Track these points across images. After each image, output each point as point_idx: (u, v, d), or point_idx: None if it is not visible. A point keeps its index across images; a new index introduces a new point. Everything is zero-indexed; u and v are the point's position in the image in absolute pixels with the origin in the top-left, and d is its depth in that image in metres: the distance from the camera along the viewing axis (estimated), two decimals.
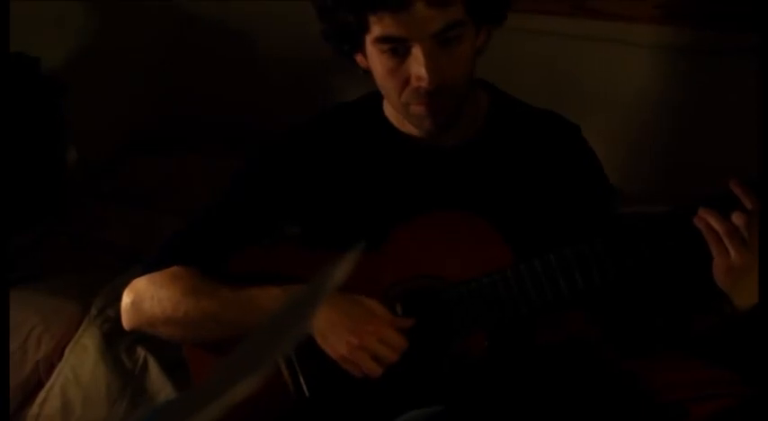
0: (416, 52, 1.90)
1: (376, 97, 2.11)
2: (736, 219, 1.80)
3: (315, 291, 0.85)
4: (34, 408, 2.83)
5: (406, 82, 1.95)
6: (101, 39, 3.78)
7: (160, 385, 2.73)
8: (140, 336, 2.74)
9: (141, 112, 3.86)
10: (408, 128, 2.06)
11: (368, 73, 2.03)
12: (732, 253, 1.80)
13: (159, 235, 2.97)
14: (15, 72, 3.37)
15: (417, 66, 1.91)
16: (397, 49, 1.92)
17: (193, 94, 3.88)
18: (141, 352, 2.78)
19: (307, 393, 2.01)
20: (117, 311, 2.80)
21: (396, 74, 1.95)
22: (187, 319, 2.03)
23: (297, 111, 2.23)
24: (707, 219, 1.82)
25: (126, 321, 2.08)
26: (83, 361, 2.80)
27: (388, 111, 2.09)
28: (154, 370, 2.75)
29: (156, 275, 2.06)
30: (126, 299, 2.08)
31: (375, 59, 1.96)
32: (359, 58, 2.02)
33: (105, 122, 3.74)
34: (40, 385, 2.84)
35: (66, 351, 2.84)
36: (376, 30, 1.91)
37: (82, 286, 2.98)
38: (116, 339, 2.80)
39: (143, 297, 2.06)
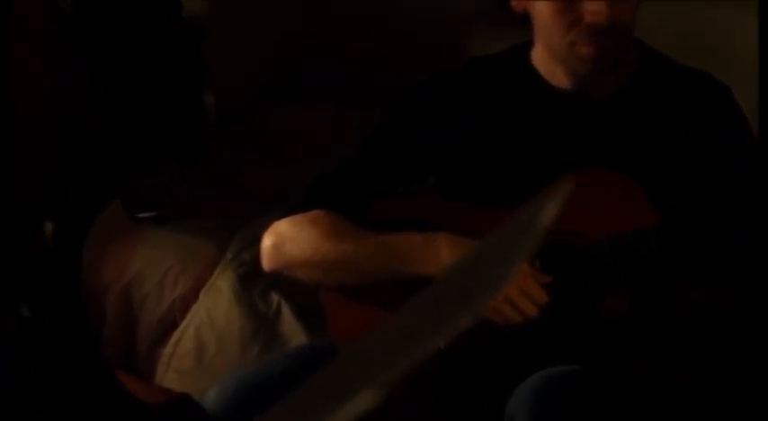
0: None
1: (521, 49, 2.09)
2: None
3: (523, 231, 0.77)
4: (169, 347, 2.86)
5: (574, 21, 1.92)
6: None
7: (293, 331, 2.74)
8: (275, 281, 2.75)
9: (278, 59, 3.87)
10: (557, 78, 2.03)
11: (518, 19, 2.02)
12: None
13: (294, 181, 2.98)
14: (157, 15, 3.40)
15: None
16: None
17: (330, 44, 3.88)
18: (275, 297, 2.79)
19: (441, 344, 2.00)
20: (252, 255, 2.83)
21: (563, 12, 1.93)
22: (326, 263, 2.03)
23: (430, 68, 2.21)
24: None
25: (266, 262, 2.09)
26: (217, 303, 2.83)
27: (538, 60, 2.06)
28: (287, 315, 2.76)
29: (297, 218, 2.07)
30: (266, 240, 2.08)
31: (543, 5, 1.94)
32: (514, 1, 2.00)
33: (243, 68, 3.76)
34: (174, 324, 2.87)
35: (202, 292, 2.86)
36: None
37: (218, 229, 3.00)
38: (251, 283, 2.82)
39: (283, 239, 2.06)
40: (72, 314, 1.49)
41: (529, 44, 2.07)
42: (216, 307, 2.82)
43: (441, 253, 1.95)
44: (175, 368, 2.83)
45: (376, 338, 0.78)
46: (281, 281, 2.52)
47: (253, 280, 2.81)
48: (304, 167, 3.16)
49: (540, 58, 2.06)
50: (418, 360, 0.72)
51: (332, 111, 3.61)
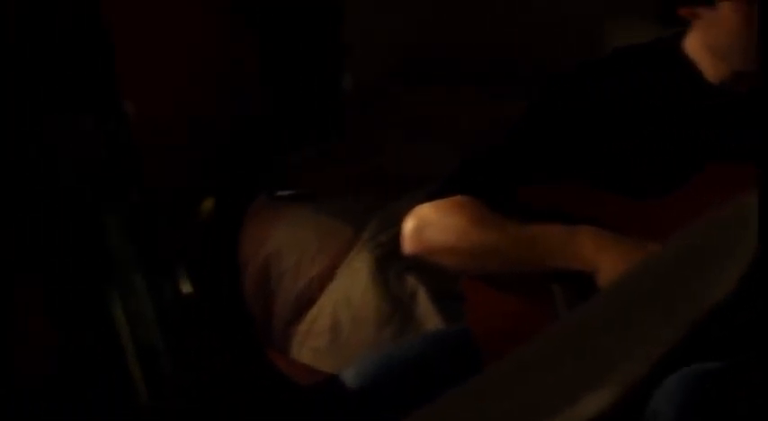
0: None
1: (671, 40, 2.07)
2: None
3: (735, 233, 0.71)
4: (304, 324, 2.87)
5: None
6: None
7: (428, 315, 2.73)
8: (411, 264, 2.75)
9: (416, 40, 3.86)
10: (713, 71, 2.01)
11: (672, 18, 2.00)
12: None
13: (432, 164, 2.97)
14: None
15: None
16: None
17: (470, 24, 3.86)
18: (411, 280, 2.79)
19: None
20: (389, 237, 2.83)
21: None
22: (469, 250, 2.01)
23: (570, 55, 2.19)
24: None
25: (407, 246, 2.08)
26: (354, 283, 2.83)
27: (693, 51, 2.04)
28: (423, 299, 2.76)
29: (441, 203, 2.05)
30: (409, 224, 2.07)
31: (734, 13, 1.93)
32: (686, 10, 1.98)
33: (380, 48, 3.75)
34: (310, 302, 2.89)
35: (339, 272, 2.87)
36: None
37: (356, 210, 3.00)
38: (387, 265, 2.82)
39: (426, 223, 2.05)
40: (229, 291, 1.51)
41: (679, 35, 2.05)
42: (353, 287, 2.83)
43: (584, 247, 1.94)
44: (310, 345, 2.85)
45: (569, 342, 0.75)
46: (418, 265, 2.51)
47: (389, 262, 2.81)
48: (444, 150, 3.15)
49: (695, 50, 2.03)
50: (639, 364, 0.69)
51: (474, 95, 3.58)
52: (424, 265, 2.26)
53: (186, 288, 1.36)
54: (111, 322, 1.32)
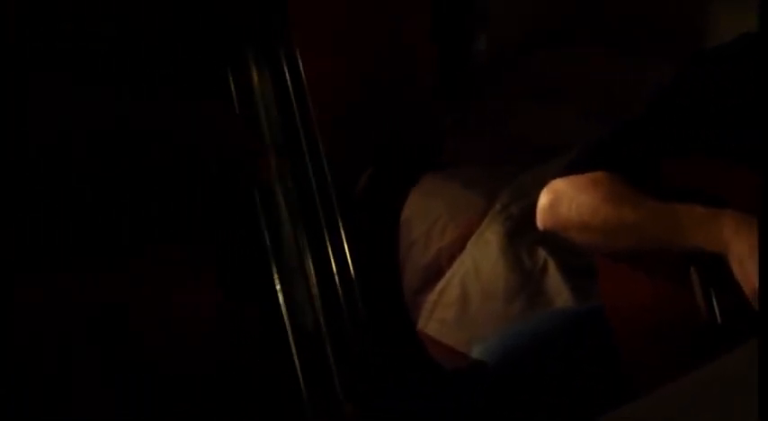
0: None
1: None
2: None
3: None
4: (433, 295, 2.86)
5: None
6: None
7: (558, 289, 2.70)
8: (542, 237, 2.71)
9: (551, 6, 3.81)
10: None
11: None
12: None
13: (563, 133, 2.93)
14: None
15: None
16: None
17: None
18: (542, 253, 2.75)
19: (719, 319, 1.92)
20: (521, 209, 2.79)
21: None
22: (604, 226, 1.97)
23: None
24: None
25: (540, 221, 2.05)
26: (484, 255, 2.81)
27: None
28: (553, 273, 2.72)
29: (577, 178, 2.01)
30: (543, 199, 2.04)
31: None
32: None
33: (516, 13, 3.71)
34: (439, 273, 2.87)
35: (469, 243, 2.85)
36: None
37: (487, 180, 2.97)
38: (518, 237, 2.79)
39: (561, 199, 2.01)
40: (389, 268, 1.49)
41: None
42: (483, 258, 2.80)
43: (723, 230, 1.88)
44: (438, 317, 2.84)
45: None
46: (549, 238, 2.47)
47: (520, 234, 2.78)
48: (575, 118, 3.11)
49: None
50: None
51: (607, 61, 3.52)
52: (555, 239, 2.21)
53: (353, 272, 1.35)
54: (276, 306, 1.30)
